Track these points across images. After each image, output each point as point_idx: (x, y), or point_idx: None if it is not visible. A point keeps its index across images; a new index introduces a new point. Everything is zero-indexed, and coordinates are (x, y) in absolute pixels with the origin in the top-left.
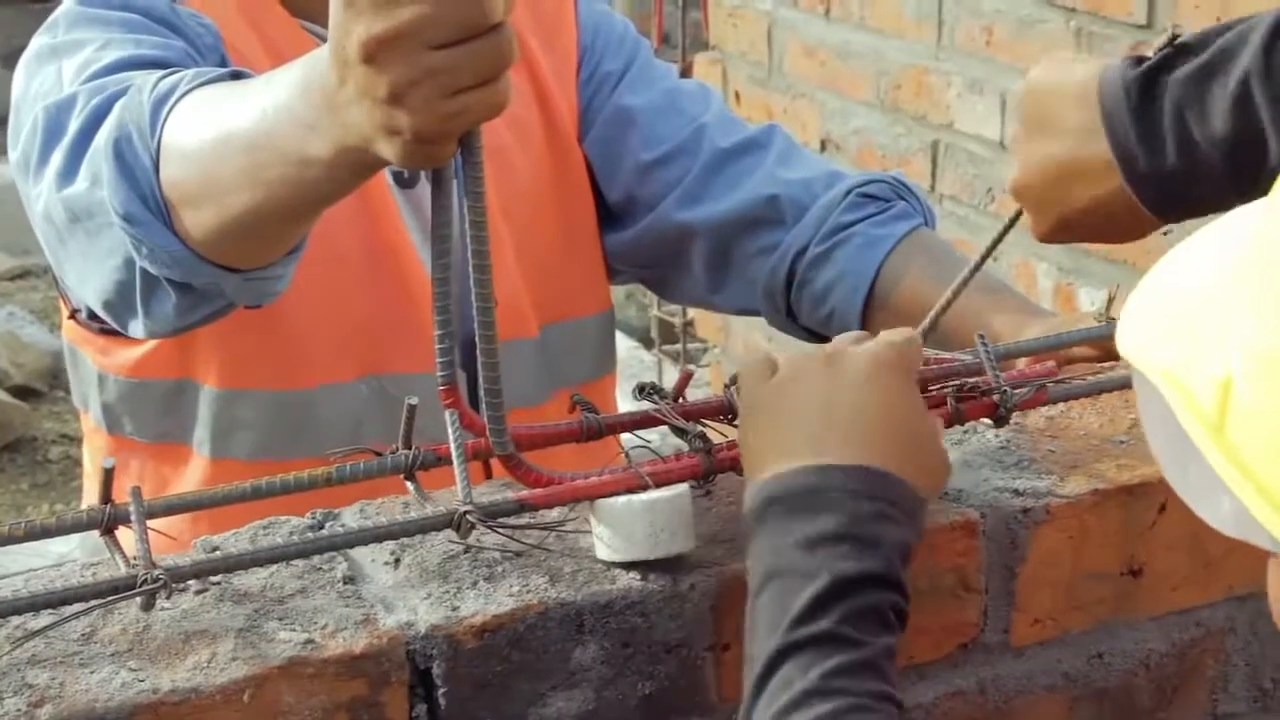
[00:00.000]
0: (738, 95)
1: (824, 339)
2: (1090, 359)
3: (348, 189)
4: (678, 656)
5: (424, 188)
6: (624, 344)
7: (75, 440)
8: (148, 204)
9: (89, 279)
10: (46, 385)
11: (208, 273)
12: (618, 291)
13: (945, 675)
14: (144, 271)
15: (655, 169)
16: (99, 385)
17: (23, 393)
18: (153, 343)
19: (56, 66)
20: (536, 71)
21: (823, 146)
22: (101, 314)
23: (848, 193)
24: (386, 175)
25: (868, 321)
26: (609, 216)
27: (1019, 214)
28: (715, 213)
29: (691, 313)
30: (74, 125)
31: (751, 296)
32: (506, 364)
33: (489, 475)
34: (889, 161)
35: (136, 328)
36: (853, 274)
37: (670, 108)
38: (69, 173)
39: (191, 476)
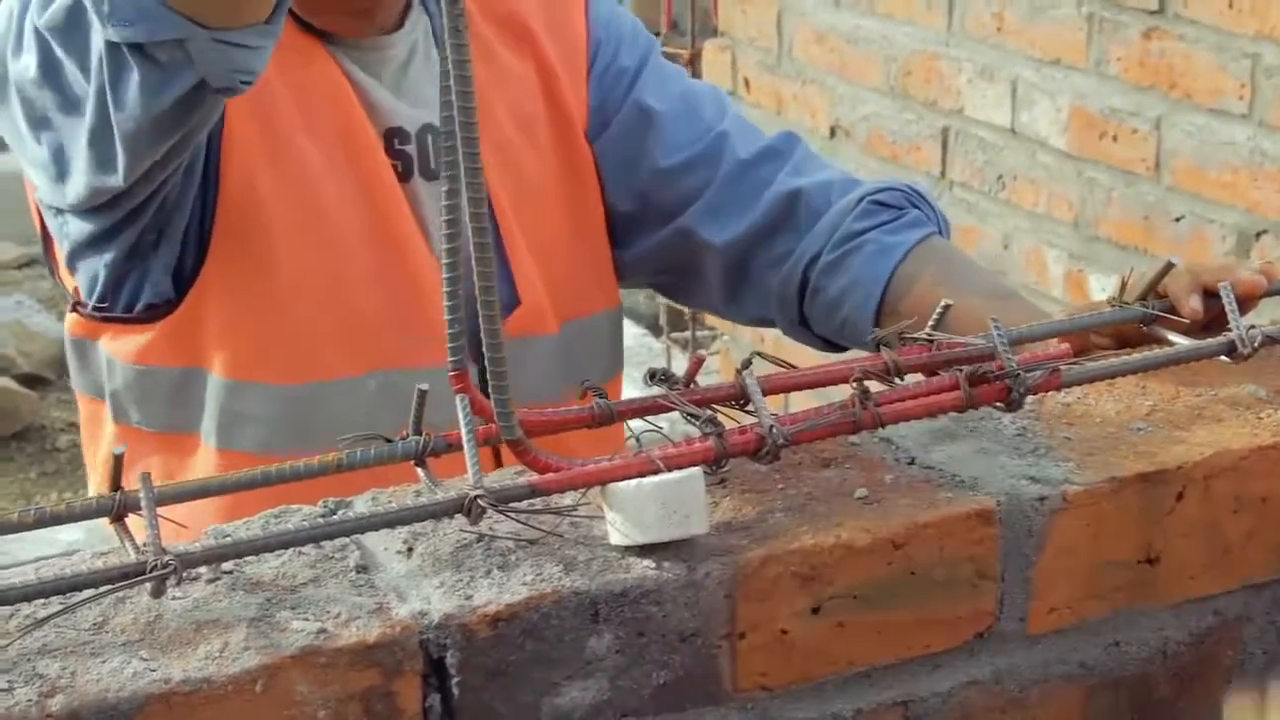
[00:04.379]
0: (747, 82)
1: (839, 348)
2: (1104, 348)
3: None
4: (692, 646)
5: (417, 181)
6: (632, 331)
7: None
8: None
9: (75, 131)
10: (55, 374)
11: (174, 24)
12: None
13: (961, 665)
14: (109, 52)
15: (674, 177)
16: (108, 372)
17: (31, 381)
18: (157, 329)
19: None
20: (544, 62)
21: (832, 133)
22: (95, 176)
23: (860, 200)
24: (389, 168)
25: None
26: (618, 230)
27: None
28: (737, 231)
29: None
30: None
31: (765, 307)
32: (528, 362)
33: (500, 465)
34: (899, 148)
35: (119, 159)
36: (864, 282)
37: (688, 113)
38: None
39: (199, 468)
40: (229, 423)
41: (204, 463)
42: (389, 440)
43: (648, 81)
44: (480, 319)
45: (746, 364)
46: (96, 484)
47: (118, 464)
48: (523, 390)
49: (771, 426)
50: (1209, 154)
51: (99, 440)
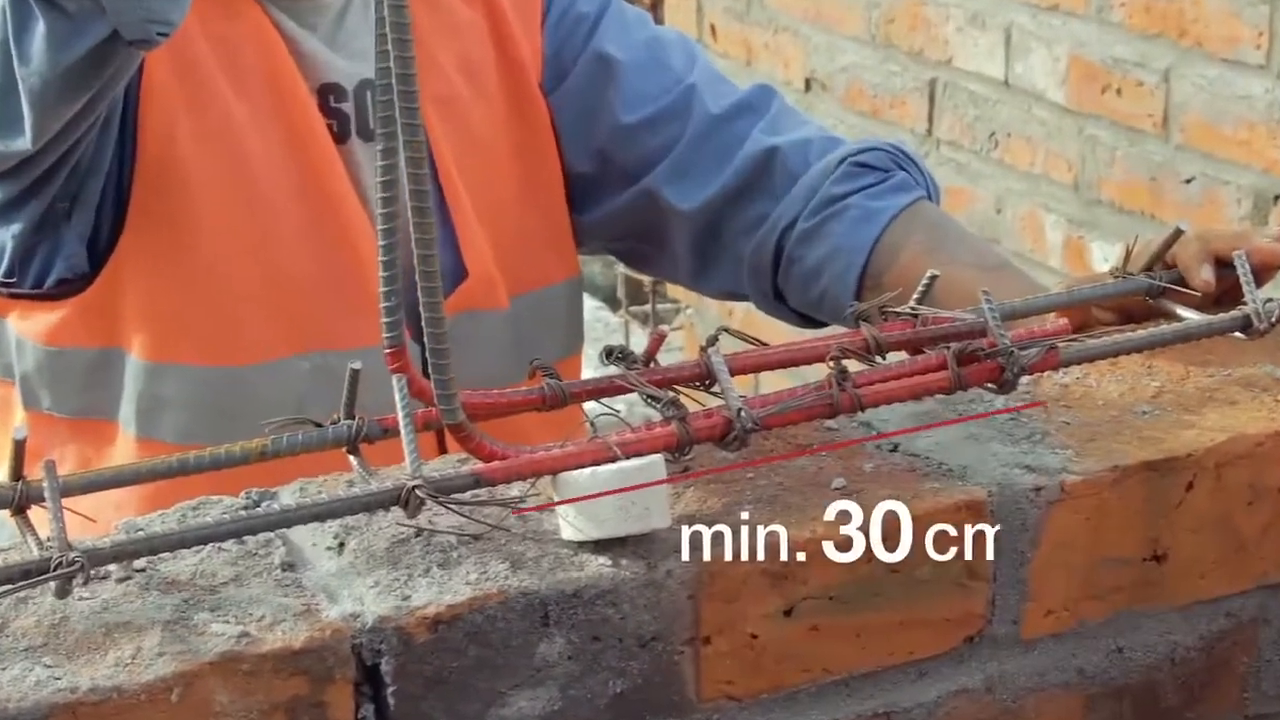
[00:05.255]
0: (713, 29)
1: (817, 324)
2: (1108, 324)
3: None
4: (652, 651)
5: (354, 142)
6: (588, 304)
7: None
8: None
9: None
10: None
11: None
12: None
13: (949, 672)
14: (13, 1)
15: (638, 133)
16: (17, 353)
17: None
18: (70, 306)
19: None
20: (495, 7)
21: (807, 86)
22: (0, 140)
23: (841, 161)
24: (323, 127)
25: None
26: (576, 192)
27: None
28: (706, 194)
29: None
30: None
31: (736, 278)
32: (476, 339)
33: (443, 452)
34: (880, 103)
35: (25, 119)
36: (845, 251)
37: (653, 62)
38: None
39: (117, 458)
40: (149, 408)
41: (123, 452)
42: (318, 425)
43: (608, 28)
44: (419, 290)
45: (712, 341)
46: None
47: (19, 450)
48: (471, 371)
49: (740, 410)
50: (1223, 109)
51: (9, 426)
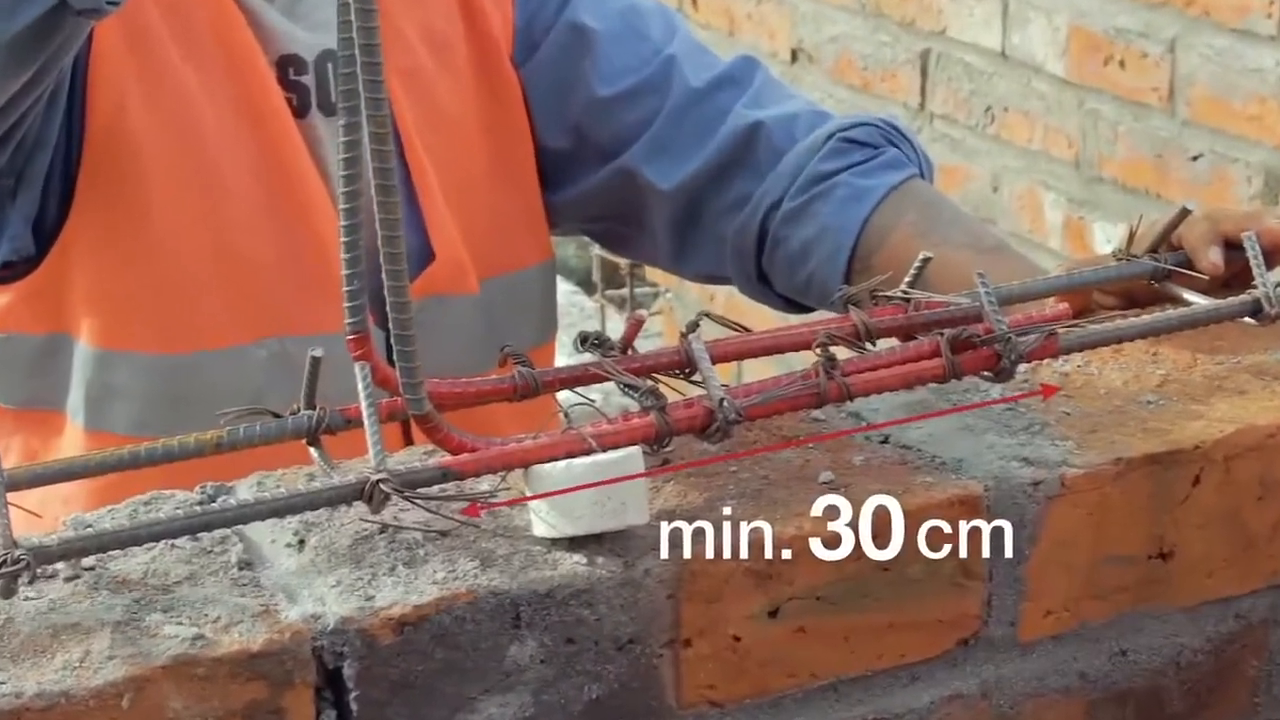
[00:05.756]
0: (694, 0)
1: (803, 308)
2: (1110, 309)
3: None
4: (630, 655)
5: (315, 116)
6: (562, 288)
7: None
8: None
9: None
10: None
11: None
12: None
13: (943, 676)
14: None
15: (614, 108)
16: None
17: None
18: (16, 290)
19: None
20: None
21: (794, 58)
22: None
23: (829, 137)
24: (281, 100)
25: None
26: (549, 170)
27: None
28: (687, 171)
29: None
30: None
31: (718, 260)
32: (444, 325)
33: (410, 442)
34: (871, 75)
35: None
36: (833, 232)
37: (630, 32)
38: None
39: (65, 450)
40: (98, 398)
41: (71, 444)
42: (277, 415)
43: None
44: (384, 273)
45: (693, 326)
46: None
47: None
48: (438, 358)
49: (722, 399)
50: (1232, 82)
51: None
